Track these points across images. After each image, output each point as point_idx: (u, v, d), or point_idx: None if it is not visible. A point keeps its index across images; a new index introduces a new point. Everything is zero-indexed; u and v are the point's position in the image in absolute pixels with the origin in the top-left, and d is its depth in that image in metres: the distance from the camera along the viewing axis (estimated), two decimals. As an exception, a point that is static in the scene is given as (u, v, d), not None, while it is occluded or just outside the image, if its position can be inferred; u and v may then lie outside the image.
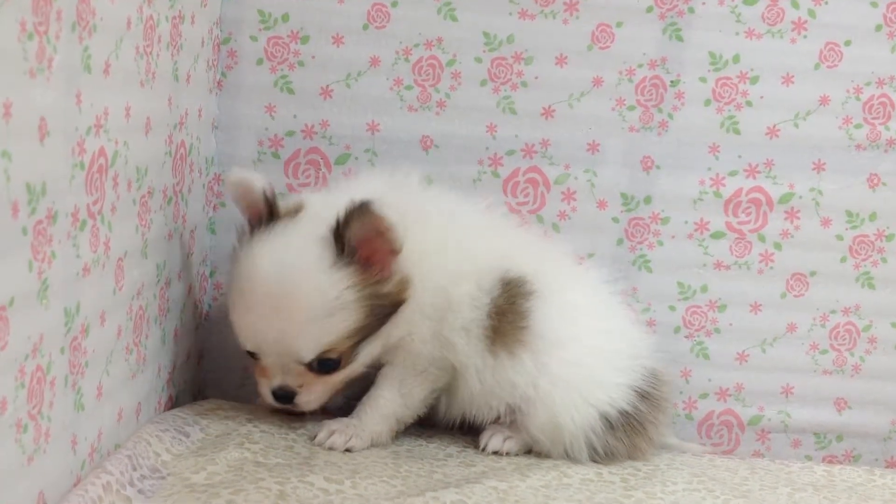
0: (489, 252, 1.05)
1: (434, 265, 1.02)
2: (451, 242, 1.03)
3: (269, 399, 1.03)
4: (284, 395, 1.02)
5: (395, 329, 1.01)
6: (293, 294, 0.95)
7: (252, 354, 1.01)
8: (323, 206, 1.00)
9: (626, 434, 1.07)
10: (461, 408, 1.08)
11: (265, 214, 1.00)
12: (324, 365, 1.00)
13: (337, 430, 1.03)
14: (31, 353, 0.69)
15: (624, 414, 1.06)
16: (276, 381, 1.01)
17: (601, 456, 1.06)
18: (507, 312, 1.04)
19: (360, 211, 0.95)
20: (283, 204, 1.02)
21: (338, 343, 0.98)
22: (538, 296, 1.05)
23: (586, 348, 1.06)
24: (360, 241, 0.97)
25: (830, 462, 1.24)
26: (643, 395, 1.08)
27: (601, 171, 1.21)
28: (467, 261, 1.03)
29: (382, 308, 0.99)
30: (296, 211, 1.01)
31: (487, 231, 1.08)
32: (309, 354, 0.98)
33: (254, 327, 0.98)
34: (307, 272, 0.96)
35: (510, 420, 1.07)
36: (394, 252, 0.98)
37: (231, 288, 1.02)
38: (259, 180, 1.00)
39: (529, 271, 1.05)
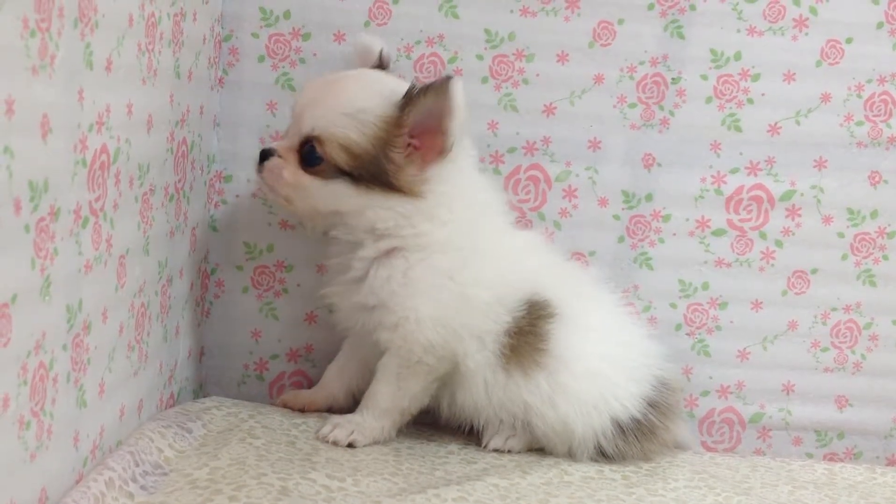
0: (518, 271, 1.06)
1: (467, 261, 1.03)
2: (491, 247, 1.05)
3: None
4: (263, 154, 1.04)
5: (379, 211, 1.01)
6: (343, 85, 1.02)
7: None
8: None
9: (638, 439, 1.08)
10: (466, 415, 1.08)
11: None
12: (306, 151, 1.01)
13: (339, 425, 1.04)
14: (34, 349, 0.70)
15: (635, 420, 1.07)
16: (271, 144, 1.06)
17: (610, 457, 1.07)
18: (527, 333, 1.04)
19: (444, 84, 0.97)
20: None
21: (327, 140, 1.00)
22: (559, 319, 1.06)
23: (600, 361, 1.07)
24: (425, 114, 0.98)
25: (831, 460, 1.24)
26: (653, 404, 1.09)
27: (602, 169, 1.21)
28: (493, 271, 1.04)
29: (379, 171, 1.00)
30: None
31: (521, 251, 1.09)
32: (307, 126, 1.01)
33: (304, 92, 1.05)
34: (367, 83, 1.03)
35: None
36: (441, 152, 1.00)
37: None
38: (379, 45, 1.09)
39: (553, 295, 1.06)
